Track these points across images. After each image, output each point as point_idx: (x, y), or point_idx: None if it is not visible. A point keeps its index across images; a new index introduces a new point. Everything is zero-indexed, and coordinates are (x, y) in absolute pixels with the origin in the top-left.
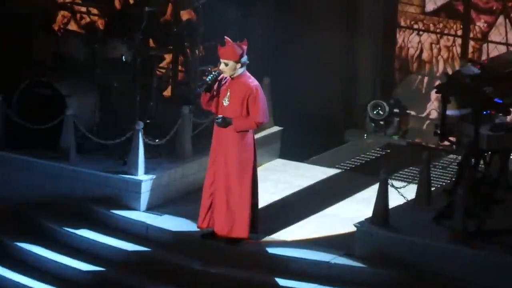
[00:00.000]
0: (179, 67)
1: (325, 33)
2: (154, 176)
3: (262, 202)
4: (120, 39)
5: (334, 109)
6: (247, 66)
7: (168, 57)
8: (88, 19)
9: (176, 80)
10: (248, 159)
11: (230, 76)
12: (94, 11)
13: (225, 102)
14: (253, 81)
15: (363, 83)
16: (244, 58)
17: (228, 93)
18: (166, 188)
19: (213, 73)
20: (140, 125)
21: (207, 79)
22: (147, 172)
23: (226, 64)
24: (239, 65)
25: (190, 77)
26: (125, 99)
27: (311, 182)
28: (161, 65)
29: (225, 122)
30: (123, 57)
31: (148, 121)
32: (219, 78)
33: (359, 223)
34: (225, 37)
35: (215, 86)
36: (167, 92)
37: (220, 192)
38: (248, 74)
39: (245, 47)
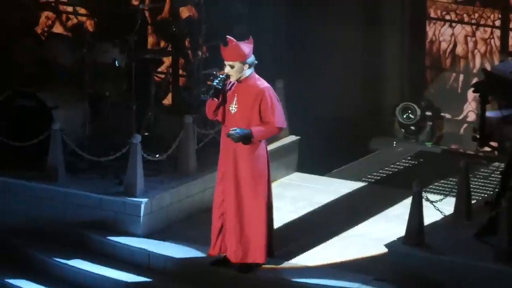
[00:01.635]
0: (180, 72)
1: (345, 28)
2: (155, 197)
3: (279, 222)
4: (112, 42)
5: (357, 114)
6: (256, 67)
7: (167, 61)
8: (75, 20)
9: (176, 86)
10: (262, 173)
11: (237, 80)
12: (82, 11)
13: (233, 109)
14: (262, 83)
15: (390, 84)
16: (252, 58)
17: (236, 99)
18: (169, 209)
19: (220, 76)
20: (138, 138)
21: (215, 83)
22: (146, 192)
23: (232, 66)
24: (246, 66)
25: (192, 83)
26: (119, 109)
27: (334, 198)
28: (159, 69)
29: (243, 136)
30: (116, 61)
31: (146, 133)
32: (226, 82)
33: (391, 243)
34: (227, 36)
35: (221, 93)
36: (167, 100)
37: (231, 212)
38: (256, 75)
39: (251, 46)
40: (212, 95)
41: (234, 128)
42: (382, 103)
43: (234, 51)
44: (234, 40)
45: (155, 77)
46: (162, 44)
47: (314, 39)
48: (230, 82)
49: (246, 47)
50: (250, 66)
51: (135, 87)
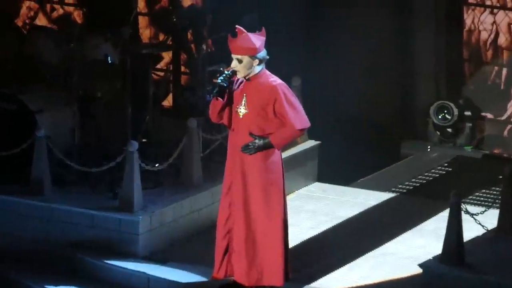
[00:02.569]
0: (182, 69)
1: (372, 17)
2: (154, 212)
3: (297, 240)
4: (104, 35)
5: (386, 114)
6: (268, 64)
7: (166, 56)
8: (61, 11)
9: (178, 86)
10: (276, 182)
11: (245, 77)
12: (69, 0)
13: (241, 111)
14: (275, 80)
15: (423, 80)
16: (263, 53)
17: (244, 99)
18: (171, 227)
19: (226, 73)
20: (134, 145)
21: (219, 80)
22: (145, 207)
23: (240, 61)
24: (256, 61)
25: (196, 81)
26: (112, 112)
27: (360, 211)
28: (158, 66)
29: (262, 145)
30: (109, 58)
31: (144, 140)
32: (232, 79)
33: (426, 262)
34: (237, 26)
35: (226, 91)
36: (168, 102)
37: (240, 229)
38: (268, 72)
39: (263, 38)
40: (215, 94)
41: (254, 141)
42: (414, 102)
43: (243, 43)
44: (244, 30)
45: (153, 75)
46: (161, 37)
47: (336, 30)
48: (238, 80)
49: (258, 40)
50: (260, 62)
51: (131, 86)
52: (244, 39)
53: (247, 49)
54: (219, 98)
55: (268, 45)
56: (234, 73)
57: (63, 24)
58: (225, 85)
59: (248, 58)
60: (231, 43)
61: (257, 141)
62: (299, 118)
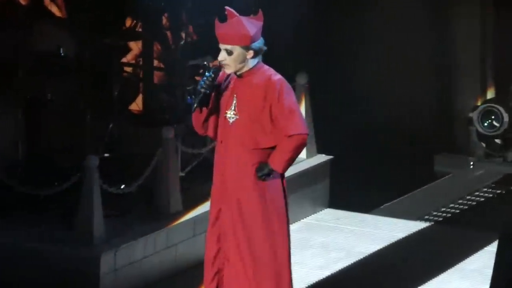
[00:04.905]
0: (155, 63)
1: (398, 4)
2: (120, 247)
3: (303, 282)
4: (56, 21)
5: (416, 122)
6: (266, 58)
7: (135, 47)
8: None
9: (150, 85)
10: (277, 203)
11: (236, 73)
12: None
13: (230, 117)
14: (274, 74)
15: (465, 78)
16: (259, 42)
17: (235, 101)
18: (142, 266)
19: (206, 75)
20: (94, 161)
21: (199, 87)
22: (108, 240)
23: (230, 52)
24: (250, 52)
25: (174, 79)
26: (66, 119)
27: (384, 245)
28: (124, 60)
29: (268, 171)
30: (61, 49)
31: (106, 154)
32: (217, 78)
33: None
34: (226, 7)
35: (212, 95)
36: (137, 105)
37: (234, 268)
38: (266, 66)
39: (260, 24)
40: (198, 103)
41: (262, 166)
42: (453, 106)
43: (234, 30)
44: (235, 13)
45: (119, 71)
46: (129, 22)
47: (352, 19)
48: (227, 76)
49: (253, 26)
50: (256, 54)
51: (90, 86)
52: (235, 24)
53: (239, 37)
54: (203, 108)
55: (267, 35)
56: (217, 72)
57: (3, 7)
58: (208, 91)
59: (240, 49)
60: (219, 29)
61: (264, 167)
62: (302, 122)
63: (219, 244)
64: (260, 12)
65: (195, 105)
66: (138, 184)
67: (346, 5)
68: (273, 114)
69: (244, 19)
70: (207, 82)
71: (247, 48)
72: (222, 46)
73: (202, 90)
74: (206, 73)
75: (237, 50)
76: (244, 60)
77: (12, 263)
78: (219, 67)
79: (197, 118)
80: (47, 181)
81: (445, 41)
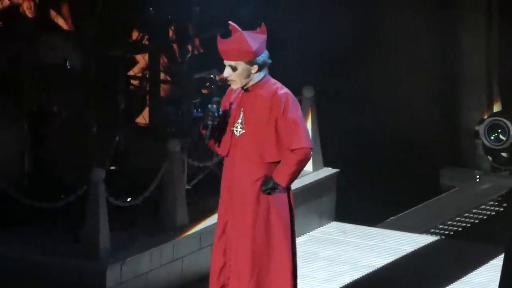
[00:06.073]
0: (162, 75)
1: (406, 13)
2: (126, 260)
3: None
4: (62, 33)
5: (422, 135)
6: (270, 70)
7: (142, 60)
8: (6, 2)
9: (156, 98)
10: (282, 218)
11: (243, 87)
12: None
13: (237, 131)
14: (281, 88)
15: (471, 90)
16: (263, 56)
17: (241, 115)
18: (148, 279)
19: (209, 106)
20: (100, 174)
21: (209, 123)
22: (114, 253)
23: (234, 68)
24: (255, 67)
25: (180, 92)
26: (72, 132)
27: (391, 259)
28: (131, 73)
29: (272, 185)
30: (68, 62)
31: (112, 167)
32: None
33: None
34: (230, 22)
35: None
36: (143, 118)
37: (240, 283)
38: (272, 80)
39: (263, 37)
40: (208, 138)
41: (267, 180)
42: (459, 119)
43: (236, 46)
44: (238, 28)
45: (125, 84)
46: (135, 35)
47: (360, 31)
48: (235, 91)
49: (255, 40)
50: (260, 68)
51: (96, 99)
52: (238, 40)
53: (242, 52)
54: (211, 136)
55: (273, 48)
56: (219, 104)
57: (9, 19)
58: (215, 123)
59: (244, 64)
60: (221, 45)
61: (268, 181)
62: (307, 136)
63: (225, 258)
64: (263, 26)
65: (207, 140)
66: (144, 197)
67: (353, 18)
68: (278, 128)
69: (246, 34)
70: (210, 114)
71: (251, 63)
72: (226, 63)
73: (209, 123)
74: (209, 105)
75: (241, 65)
76: (249, 75)
77: (17, 276)
78: (219, 101)
79: (210, 141)
80: (53, 194)
81: (451, 54)
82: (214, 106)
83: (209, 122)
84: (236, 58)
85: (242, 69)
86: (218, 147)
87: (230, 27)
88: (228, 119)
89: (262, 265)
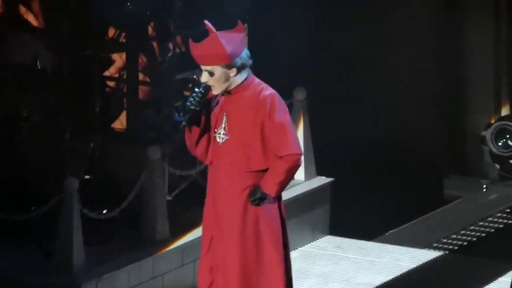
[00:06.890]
0: (140, 76)
1: (406, 13)
2: (102, 277)
3: None
4: (32, 30)
5: (424, 141)
6: (260, 72)
7: (119, 59)
8: None
9: (135, 100)
10: (273, 230)
11: (225, 91)
12: None
13: (220, 138)
14: (266, 88)
15: (477, 93)
16: (242, 57)
17: (224, 120)
18: None
19: (195, 90)
20: (74, 184)
21: (189, 103)
22: (89, 269)
23: (211, 73)
24: (233, 70)
25: (161, 94)
26: (44, 138)
27: (390, 277)
28: (107, 73)
29: (260, 195)
30: (39, 61)
31: (87, 176)
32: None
33: None
34: (205, 22)
35: (203, 112)
36: (120, 123)
37: None
38: (257, 80)
39: (240, 36)
40: (187, 122)
41: (255, 190)
42: (465, 124)
43: (209, 50)
44: (213, 29)
45: (100, 85)
46: (112, 32)
47: (358, 34)
48: (215, 95)
49: (230, 42)
50: (240, 70)
51: (70, 101)
52: (211, 43)
53: (216, 56)
54: (193, 126)
55: (261, 47)
56: (207, 88)
57: None
58: (197, 108)
59: (221, 68)
60: (194, 50)
61: (256, 192)
62: (296, 141)
63: (212, 275)
64: (240, 24)
65: (183, 124)
66: (121, 208)
67: (349, 18)
68: (264, 132)
69: (221, 36)
70: (197, 98)
71: (228, 66)
72: (202, 68)
73: (192, 107)
74: (196, 89)
75: (218, 70)
76: (228, 79)
77: None
78: (208, 86)
79: (189, 139)
80: (23, 205)
81: (457, 56)
82: (202, 90)
83: (192, 107)
84: (212, 62)
85: (220, 74)
86: (200, 154)
87: (206, 27)
88: (210, 124)
89: (252, 282)
